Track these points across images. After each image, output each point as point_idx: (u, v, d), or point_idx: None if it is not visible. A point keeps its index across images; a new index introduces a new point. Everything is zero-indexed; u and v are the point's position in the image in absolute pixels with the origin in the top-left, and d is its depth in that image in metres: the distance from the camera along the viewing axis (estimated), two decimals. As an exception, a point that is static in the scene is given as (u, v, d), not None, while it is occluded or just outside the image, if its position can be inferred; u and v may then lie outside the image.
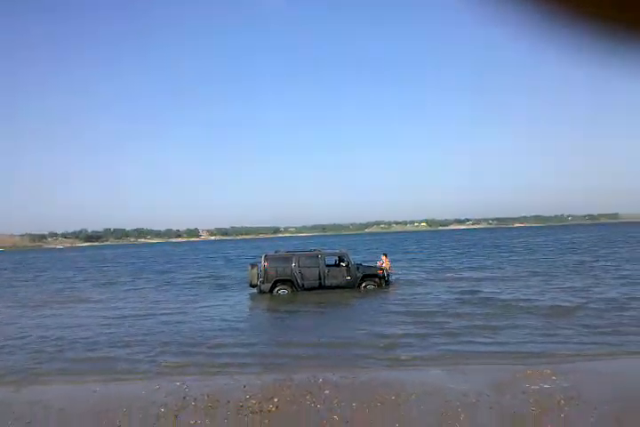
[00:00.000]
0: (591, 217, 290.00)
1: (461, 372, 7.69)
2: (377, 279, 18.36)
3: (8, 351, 10.45)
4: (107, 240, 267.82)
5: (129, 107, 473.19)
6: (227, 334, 11.49)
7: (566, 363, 8.10)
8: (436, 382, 7.10)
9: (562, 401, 6.01)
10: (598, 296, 14.78)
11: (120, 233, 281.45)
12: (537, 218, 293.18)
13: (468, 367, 8.02)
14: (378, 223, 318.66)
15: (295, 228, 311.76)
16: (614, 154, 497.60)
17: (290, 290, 17.60)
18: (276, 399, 6.32)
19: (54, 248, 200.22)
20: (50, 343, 11.06)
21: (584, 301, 14.06)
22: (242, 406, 6.09)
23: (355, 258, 20.09)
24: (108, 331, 12.31)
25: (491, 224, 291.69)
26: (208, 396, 6.56)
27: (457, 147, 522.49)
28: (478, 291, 16.90)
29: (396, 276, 21.23)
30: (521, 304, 13.80)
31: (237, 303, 16.69)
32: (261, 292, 17.59)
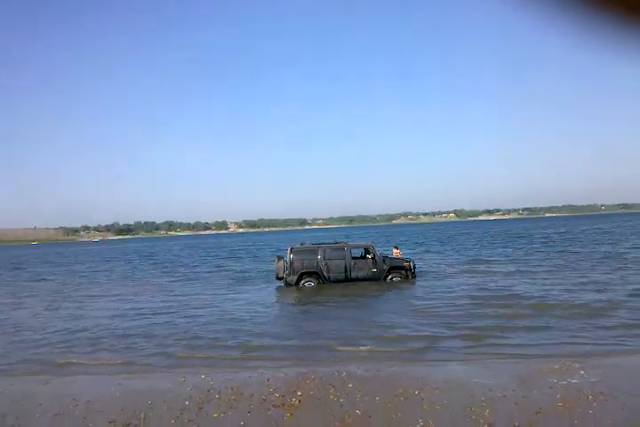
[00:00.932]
0: (625, 206, 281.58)
1: (487, 367, 7.58)
2: (403, 271, 18.26)
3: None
4: (137, 233, 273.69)
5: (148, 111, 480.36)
6: (249, 327, 11.62)
7: (596, 358, 7.90)
8: (461, 376, 7.01)
9: (590, 397, 5.86)
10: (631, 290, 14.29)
11: (150, 226, 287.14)
12: (568, 207, 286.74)
13: (493, 362, 7.90)
14: (405, 214, 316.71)
15: (323, 220, 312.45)
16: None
17: (316, 282, 17.66)
18: (299, 393, 6.35)
19: (88, 241, 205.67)
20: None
21: (616, 296, 13.60)
22: (265, 400, 6.14)
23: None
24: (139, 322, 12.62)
25: (521, 214, 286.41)
26: (232, 389, 6.63)
27: (485, 137, 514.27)
28: (506, 286, 16.43)
29: (422, 268, 20.99)
30: (551, 302, 13.16)
31: (264, 296, 16.82)
32: (288, 284, 17.71)
